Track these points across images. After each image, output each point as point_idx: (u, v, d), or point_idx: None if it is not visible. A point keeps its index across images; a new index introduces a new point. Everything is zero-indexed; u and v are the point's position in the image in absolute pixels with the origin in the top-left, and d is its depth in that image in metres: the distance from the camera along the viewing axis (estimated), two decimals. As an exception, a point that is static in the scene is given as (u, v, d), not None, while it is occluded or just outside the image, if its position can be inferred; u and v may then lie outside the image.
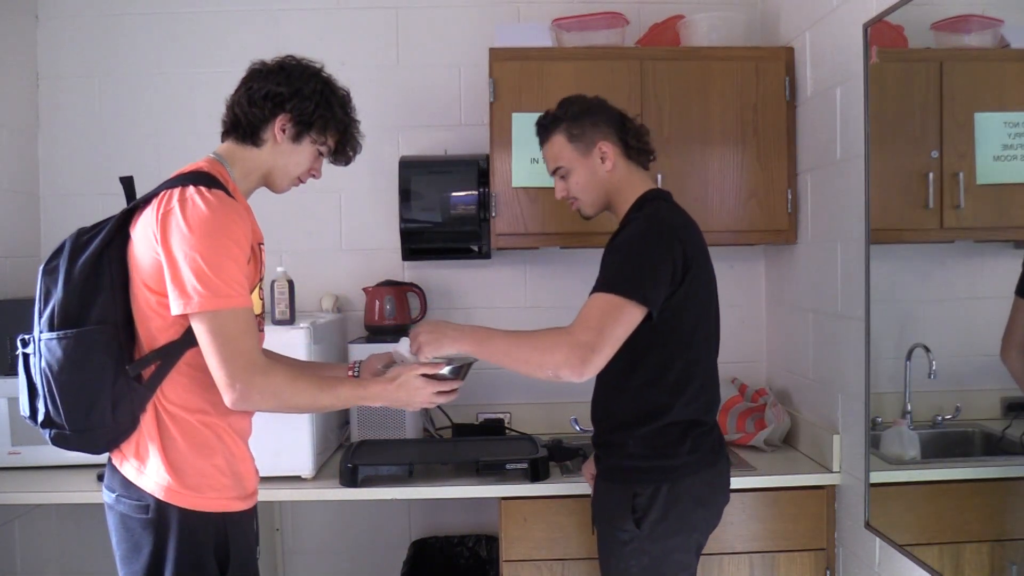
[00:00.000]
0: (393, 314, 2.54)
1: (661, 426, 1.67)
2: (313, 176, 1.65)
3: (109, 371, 1.40)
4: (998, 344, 1.67)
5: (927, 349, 1.83)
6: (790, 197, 2.42)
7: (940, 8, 1.80)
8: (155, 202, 1.41)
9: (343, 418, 2.53)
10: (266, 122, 1.53)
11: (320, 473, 2.22)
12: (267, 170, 1.57)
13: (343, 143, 1.62)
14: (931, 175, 1.78)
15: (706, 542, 1.79)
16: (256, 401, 1.41)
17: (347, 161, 1.67)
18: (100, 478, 2.12)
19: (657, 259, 1.60)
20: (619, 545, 1.70)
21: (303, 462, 2.16)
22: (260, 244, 1.55)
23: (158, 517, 1.42)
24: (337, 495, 2.14)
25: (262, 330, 1.59)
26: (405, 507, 2.73)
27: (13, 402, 2.22)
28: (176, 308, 1.37)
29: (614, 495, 1.72)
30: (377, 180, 2.71)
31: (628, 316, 1.56)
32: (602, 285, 1.60)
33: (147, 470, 1.43)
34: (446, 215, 2.48)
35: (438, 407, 2.65)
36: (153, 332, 1.43)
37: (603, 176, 1.76)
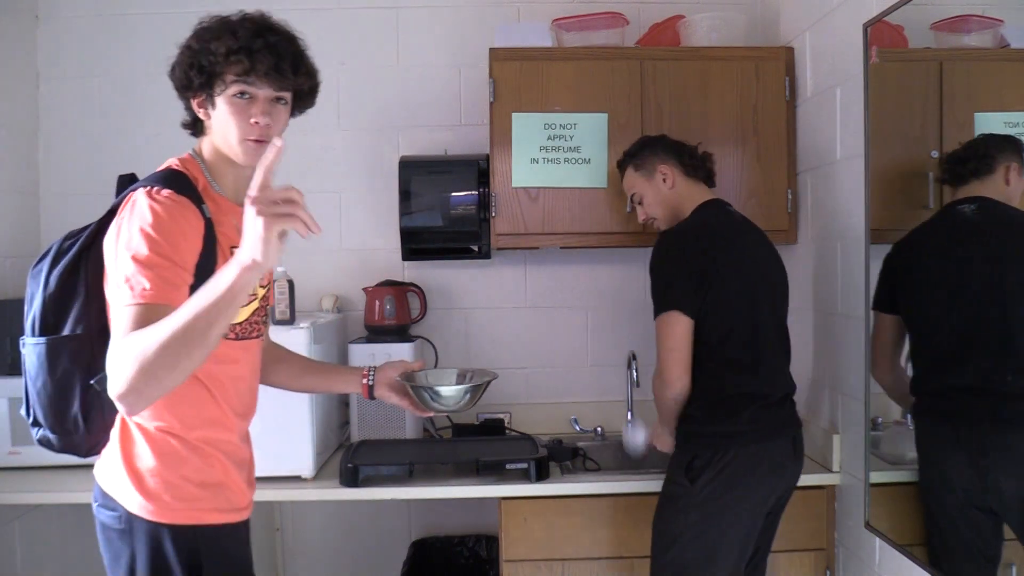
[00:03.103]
0: (393, 314, 2.54)
1: (720, 397, 1.88)
2: (255, 123, 1.38)
3: (78, 380, 1.37)
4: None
5: (927, 349, 1.83)
6: (790, 197, 2.42)
7: (940, 8, 1.80)
8: (123, 203, 1.35)
9: (343, 418, 2.53)
10: (191, 106, 1.44)
11: (320, 473, 2.23)
12: (218, 147, 1.43)
13: (245, 66, 1.35)
14: (931, 175, 1.78)
15: (769, 508, 1.91)
16: (118, 387, 1.17)
17: (273, 83, 1.37)
18: (99, 477, 2.14)
19: (674, 270, 1.89)
20: (672, 500, 1.89)
21: (303, 462, 2.16)
22: (234, 247, 1.30)
23: (129, 528, 1.38)
24: (337, 495, 2.14)
25: (251, 337, 1.50)
26: (405, 507, 2.73)
27: (13, 402, 2.22)
28: (112, 307, 1.27)
29: (677, 456, 1.94)
30: (377, 180, 2.71)
31: (672, 327, 1.86)
32: (655, 309, 1.91)
33: (117, 480, 1.40)
34: (446, 215, 2.48)
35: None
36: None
37: (667, 193, 2.05)
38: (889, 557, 1.91)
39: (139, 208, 1.29)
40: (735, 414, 1.86)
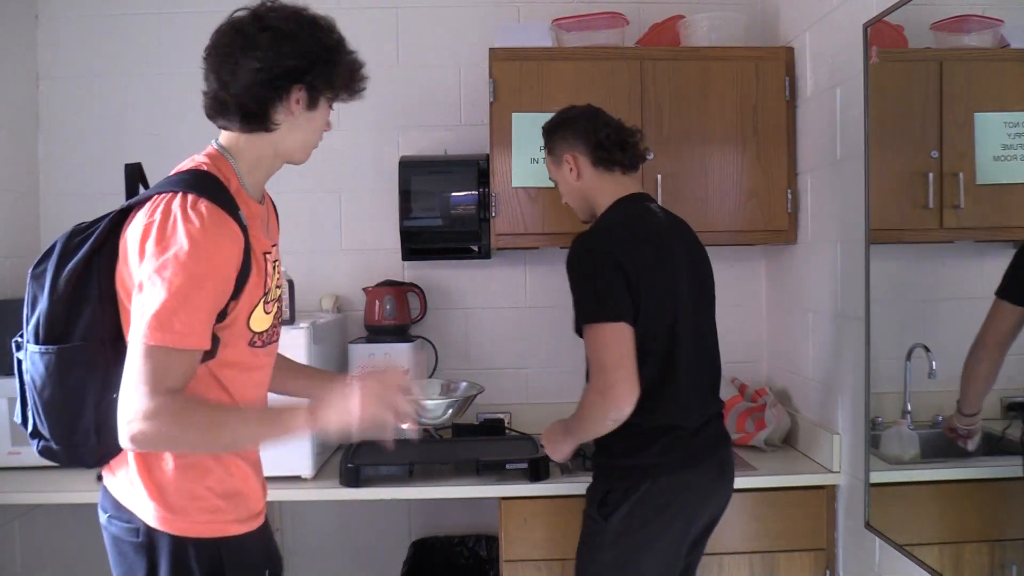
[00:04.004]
0: (393, 314, 2.54)
1: (634, 430, 1.70)
2: (326, 130, 1.45)
3: (92, 392, 1.28)
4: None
5: (927, 349, 1.83)
6: (790, 197, 2.42)
7: (940, 8, 1.80)
8: (149, 206, 1.26)
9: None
10: (279, 101, 1.32)
11: (320, 473, 2.23)
12: (283, 150, 1.39)
13: (352, 86, 1.41)
14: (931, 175, 1.78)
15: (694, 537, 1.78)
16: (140, 443, 1.21)
17: (355, 99, 1.45)
18: (100, 478, 2.13)
19: (601, 279, 1.68)
20: (588, 537, 1.77)
21: (303, 462, 2.16)
22: (266, 253, 1.39)
23: (148, 542, 1.31)
24: (337, 495, 2.14)
25: (273, 342, 1.47)
26: (405, 507, 2.73)
27: (13, 402, 2.21)
28: (130, 330, 1.22)
29: (592, 490, 1.81)
30: (377, 180, 2.71)
31: (613, 337, 1.65)
32: (579, 320, 1.70)
33: (135, 492, 1.33)
34: (446, 215, 2.48)
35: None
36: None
37: (575, 184, 1.86)
38: (889, 557, 1.91)
39: (177, 226, 1.21)
40: (646, 446, 1.71)
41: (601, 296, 1.66)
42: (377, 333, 2.54)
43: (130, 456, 1.33)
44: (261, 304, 1.38)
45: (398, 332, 2.54)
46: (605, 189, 1.83)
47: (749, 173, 2.42)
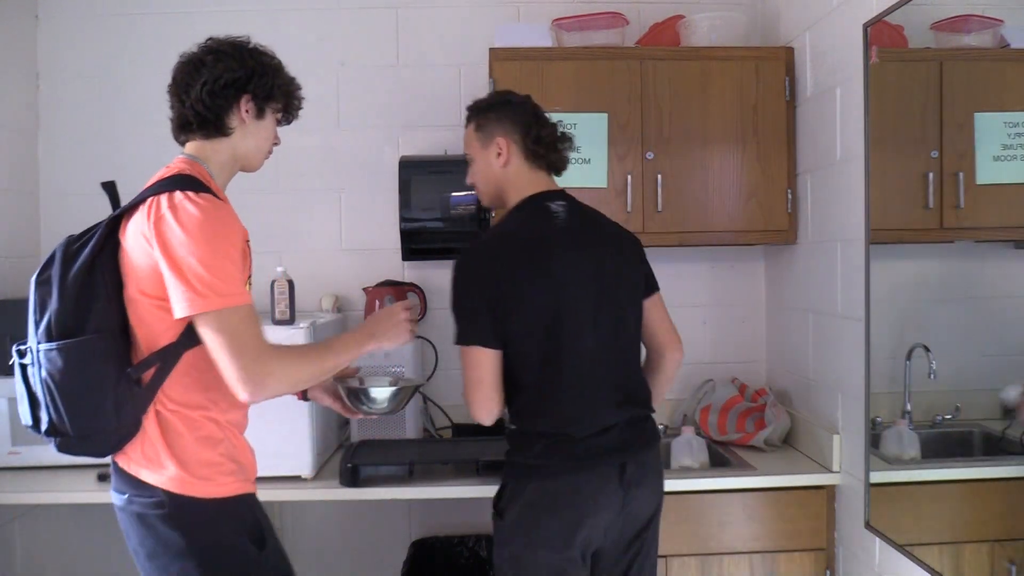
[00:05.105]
0: (393, 314, 2.54)
1: (518, 431, 1.73)
2: (275, 144, 1.66)
3: (110, 377, 1.41)
4: (998, 344, 1.67)
5: (927, 349, 1.83)
6: (790, 197, 2.42)
7: (940, 8, 1.80)
8: (144, 209, 1.41)
9: (343, 418, 2.53)
10: (230, 109, 1.54)
11: (320, 473, 2.23)
12: (241, 154, 1.58)
13: (291, 103, 1.65)
14: (931, 175, 1.78)
15: (594, 546, 1.70)
16: (272, 388, 1.42)
17: (293, 119, 1.68)
18: (100, 478, 2.14)
19: (473, 301, 1.70)
20: (494, 532, 1.77)
21: (303, 462, 2.16)
22: (247, 241, 1.55)
23: (177, 511, 1.43)
24: (337, 495, 2.14)
25: None
26: (405, 507, 2.73)
27: (13, 402, 2.20)
28: (180, 311, 1.37)
29: (500, 485, 1.79)
30: (377, 180, 2.71)
31: (476, 359, 1.69)
32: (455, 338, 1.72)
33: (157, 467, 1.45)
34: (446, 215, 2.48)
35: (437, 408, 2.66)
36: (153, 336, 1.44)
37: (497, 171, 1.80)
38: (889, 557, 1.91)
39: (189, 212, 1.38)
40: (530, 446, 1.69)
41: (466, 318, 1.70)
42: (377, 333, 2.53)
43: (152, 433, 1.45)
44: (247, 287, 1.53)
45: (398, 332, 2.54)
46: (521, 184, 1.79)
47: (749, 173, 2.42)
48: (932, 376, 1.82)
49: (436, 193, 2.49)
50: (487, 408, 1.71)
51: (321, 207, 2.73)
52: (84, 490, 2.11)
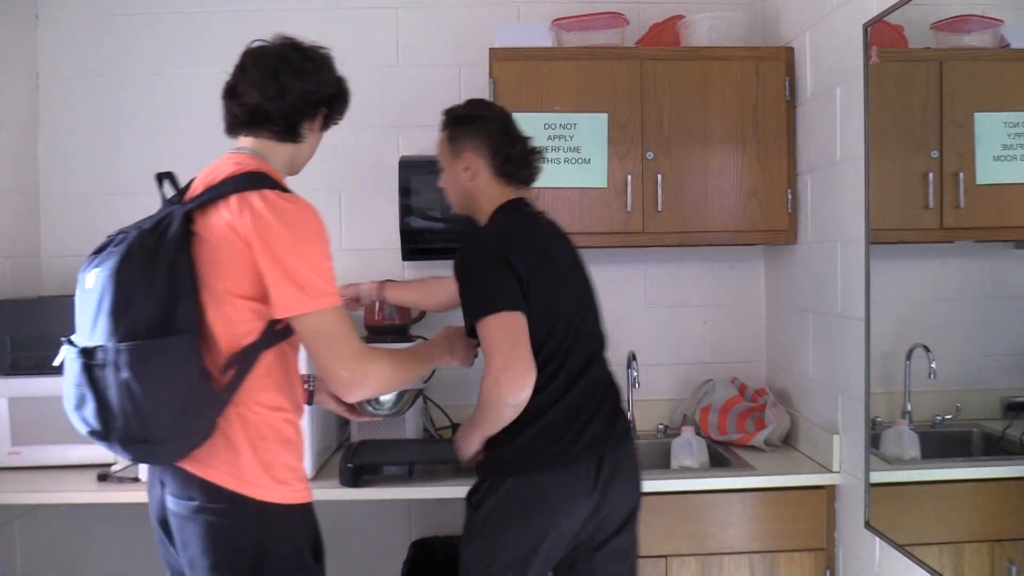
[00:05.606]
0: (393, 314, 2.53)
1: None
2: None
3: (193, 378, 1.36)
4: (998, 344, 1.67)
5: (927, 349, 1.83)
6: (790, 197, 2.42)
7: (940, 8, 1.80)
8: (231, 205, 1.38)
9: (343, 418, 2.53)
10: (311, 119, 1.57)
11: (320, 473, 2.23)
12: (296, 161, 1.60)
13: (344, 112, 1.68)
14: (931, 175, 1.78)
15: (565, 544, 1.71)
16: (371, 388, 1.47)
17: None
18: (100, 478, 2.13)
19: (497, 274, 1.67)
20: (465, 524, 1.76)
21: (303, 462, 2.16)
22: None
23: (257, 517, 1.41)
24: (337, 495, 2.14)
25: None
26: (405, 507, 2.73)
27: (13, 402, 2.21)
28: (283, 311, 1.38)
29: (478, 479, 1.78)
30: (377, 180, 2.71)
31: (510, 324, 1.63)
32: (474, 315, 1.67)
33: (237, 472, 1.40)
34: (446, 215, 2.48)
35: (438, 407, 2.66)
36: (236, 336, 1.40)
37: (465, 184, 1.84)
38: (889, 557, 1.91)
39: (290, 213, 1.41)
40: (508, 442, 1.69)
41: (494, 291, 1.65)
42: (377, 333, 2.53)
43: (234, 436, 1.41)
44: None
45: (398, 332, 2.54)
46: (492, 195, 1.82)
47: (749, 173, 2.42)
48: (932, 376, 1.82)
49: (436, 193, 2.47)
50: (527, 371, 1.60)
51: (321, 207, 2.70)
52: (84, 490, 2.11)
